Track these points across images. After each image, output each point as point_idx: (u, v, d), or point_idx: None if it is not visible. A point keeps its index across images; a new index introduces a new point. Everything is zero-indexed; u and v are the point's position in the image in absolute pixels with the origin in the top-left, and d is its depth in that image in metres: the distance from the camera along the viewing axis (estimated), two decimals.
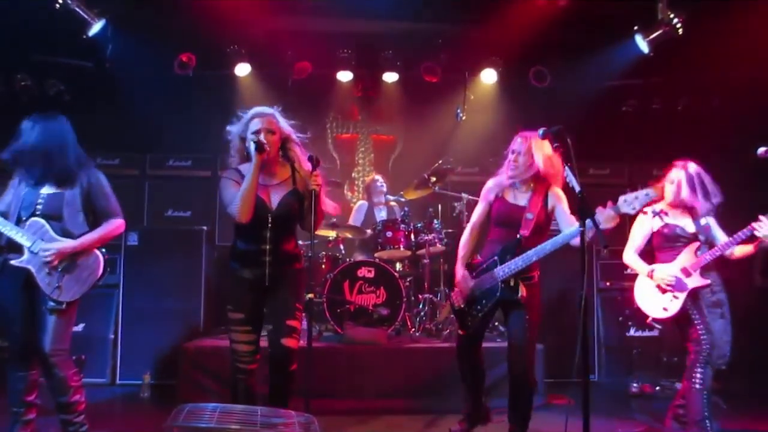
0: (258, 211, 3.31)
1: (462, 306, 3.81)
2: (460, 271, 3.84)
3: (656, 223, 4.16)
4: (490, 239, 3.84)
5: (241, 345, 3.37)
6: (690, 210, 4.11)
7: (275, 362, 3.33)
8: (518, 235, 3.65)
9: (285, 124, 3.49)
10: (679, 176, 4.09)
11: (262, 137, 3.34)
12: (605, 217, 3.24)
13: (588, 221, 3.07)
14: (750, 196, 4.79)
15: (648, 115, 7.09)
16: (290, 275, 3.46)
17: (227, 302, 3.42)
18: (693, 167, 4.10)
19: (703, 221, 4.09)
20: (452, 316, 4.51)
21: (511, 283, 3.63)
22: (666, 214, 4.07)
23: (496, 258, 3.69)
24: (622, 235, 6.41)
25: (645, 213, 3.98)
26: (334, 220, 6.10)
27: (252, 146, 3.29)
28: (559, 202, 3.74)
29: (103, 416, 4.55)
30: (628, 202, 3.23)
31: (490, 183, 3.89)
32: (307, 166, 3.36)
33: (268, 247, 3.36)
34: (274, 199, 3.41)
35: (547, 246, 3.54)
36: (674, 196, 4.10)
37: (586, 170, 6.97)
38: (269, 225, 3.37)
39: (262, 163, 3.31)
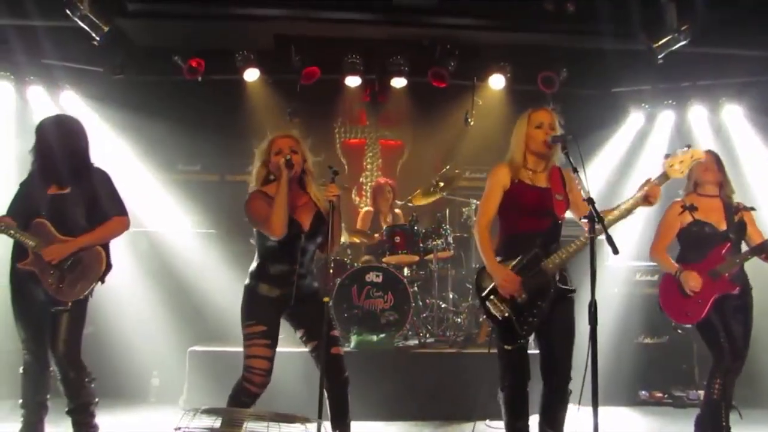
0: (291, 231, 3.33)
1: (507, 314, 3.21)
2: (501, 271, 3.22)
3: (685, 219, 3.93)
4: (520, 231, 3.30)
5: (260, 360, 3.29)
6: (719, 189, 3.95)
7: (332, 373, 3.35)
8: (556, 221, 3.27)
9: (305, 147, 3.51)
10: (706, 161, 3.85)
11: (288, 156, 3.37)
12: (655, 193, 3.10)
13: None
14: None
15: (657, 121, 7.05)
16: (312, 291, 3.51)
17: (245, 319, 3.37)
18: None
19: (737, 218, 3.88)
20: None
21: (560, 277, 3.21)
22: (697, 209, 3.86)
23: (537, 250, 3.20)
24: (630, 242, 6.45)
25: (675, 207, 3.92)
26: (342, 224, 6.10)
27: (282, 162, 3.31)
28: (571, 181, 3.41)
29: (110, 420, 4.55)
30: (675, 167, 3.07)
31: (501, 168, 3.39)
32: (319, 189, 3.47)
33: (298, 266, 3.40)
34: (304, 219, 3.44)
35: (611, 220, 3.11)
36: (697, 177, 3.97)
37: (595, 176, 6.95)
38: (302, 244, 3.40)
39: (289, 180, 3.33)
